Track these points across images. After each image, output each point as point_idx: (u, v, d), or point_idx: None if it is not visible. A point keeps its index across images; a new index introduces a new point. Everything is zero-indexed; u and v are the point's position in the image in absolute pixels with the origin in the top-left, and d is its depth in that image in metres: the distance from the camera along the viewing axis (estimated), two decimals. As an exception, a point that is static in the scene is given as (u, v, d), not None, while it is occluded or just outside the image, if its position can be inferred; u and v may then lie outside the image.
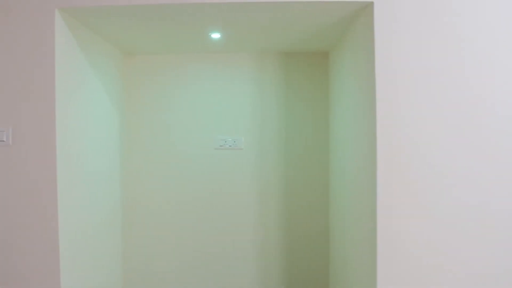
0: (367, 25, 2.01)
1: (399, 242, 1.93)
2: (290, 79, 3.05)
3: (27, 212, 2.02)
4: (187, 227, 3.06)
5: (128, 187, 3.04)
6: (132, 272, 3.05)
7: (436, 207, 1.92)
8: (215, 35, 2.56)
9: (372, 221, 1.95)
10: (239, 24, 2.31)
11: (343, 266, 2.48)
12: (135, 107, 3.07)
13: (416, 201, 1.93)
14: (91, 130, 2.43)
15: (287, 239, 3.06)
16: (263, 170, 3.06)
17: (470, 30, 1.92)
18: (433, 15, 1.93)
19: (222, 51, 2.99)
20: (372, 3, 1.94)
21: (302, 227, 3.06)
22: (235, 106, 3.07)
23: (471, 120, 1.92)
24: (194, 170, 3.07)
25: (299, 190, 3.06)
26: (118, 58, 2.89)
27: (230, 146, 3.07)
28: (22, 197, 2.02)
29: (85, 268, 2.34)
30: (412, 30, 1.93)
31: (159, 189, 3.07)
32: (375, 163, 1.92)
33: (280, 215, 3.06)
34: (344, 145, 2.48)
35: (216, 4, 1.99)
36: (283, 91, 3.05)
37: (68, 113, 2.15)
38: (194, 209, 3.06)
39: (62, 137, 2.06)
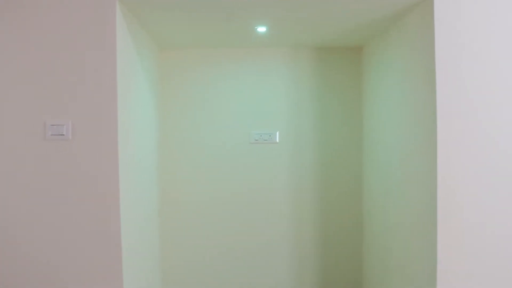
0: (424, 20, 2.02)
1: (461, 237, 1.95)
2: (323, 73, 3.06)
3: (87, 208, 1.98)
4: (223, 221, 3.05)
5: (164, 182, 3.01)
6: (169, 267, 3.03)
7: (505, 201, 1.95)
8: (261, 29, 2.55)
9: (430, 218, 1.95)
10: (289, 17, 2.29)
11: (384, 260, 2.50)
12: (170, 102, 3.03)
13: (480, 198, 1.95)
14: (140, 124, 2.40)
15: (321, 233, 3.07)
16: (298, 164, 3.06)
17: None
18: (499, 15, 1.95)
19: (261, 45, 2.97)
20: (434, -3, 1.94)
21: (335, 222, 3.07)
22: (270, 100, 3.06)
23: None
24: (230, 164, 3.05)
25: (333, 184, 3.07)
26: (155, 52, 2.85)
27: (265, 140, 3.06)
28: (82, 192, 1.98)
29: (139, 265, 2.31)
30: (473, 24, 1.94)
31: (194, 184, 3.04)
32: (436, 158, 1.93)
33: (314, 209, 3.07)
34: (386, 139, 2.49)
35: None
36: (317, 85, 3.05)
37: (126, 107, 2.12)
38: (230, 203, 3.05)
39: (122, 131, 2.03)
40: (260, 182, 3.05)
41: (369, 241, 2.89)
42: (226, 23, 2.40)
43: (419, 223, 2.09)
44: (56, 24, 1.96)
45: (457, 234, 1.95)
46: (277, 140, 3.06)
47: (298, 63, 3.05)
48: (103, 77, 1.96)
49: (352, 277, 3.07)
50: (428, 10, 1.97)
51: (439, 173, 1.93)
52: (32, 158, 1.98)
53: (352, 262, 3.08)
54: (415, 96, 2.13)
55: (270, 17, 2.30)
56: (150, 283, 2.60)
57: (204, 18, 2.28)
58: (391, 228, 2.44)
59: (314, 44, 2.93)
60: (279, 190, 3.05)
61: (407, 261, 2.22)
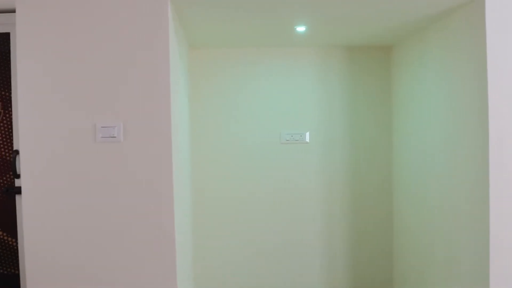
0: (473, 20, 2.00)
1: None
2: (352, 73, 3.03)
3: (140, 211, 1.92)
4: (254, 220, 3.01)
5: (196, 182, 2.97)
6: (200, 266, 2.98)
7: None
8: (300, 28, 2.51)
9: (482, 216, 1.94)
10: (330, 16, 2.25)
11: (423, 256, 2.49)
12: (200, 101, 2.98)
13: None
14: (183, 125, 2.35)
15: (352, 231, 3.06)
16: (328, 163, 3.04)
17: None
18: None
19: (295, 45, 2.94)
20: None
21: (366, 219, 3.05)
22: (300, 100, 3.02)
23: None
24: (262, 164, 3.01)
25: (363, 182, 3.05)
26: (187, 51, 2.80)
27: (296, 140, 3.04)
28: (134, 195, 1.92)
29: (186, 266, 2.27)
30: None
31: (226, 183, 3.00)
32: (487, 157, 1.93)
33: (345, 207, 3.05)
34: (427, 137, 2.48)
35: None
36: (346, 85, 3.03)
37: (176, 108, 2.06)
38: (262, 202, 3.02)
39: (174, 132, 1.98)
40: (291, 181, 3.02)
41: (402, 238, 2.88)
42: (266, 23, 2.36)
43: (466, 220, 2.08)
44: (108, 23, 1.89)
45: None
46: (308, 140, 3.03)
47: (328, 62, 3.03)
48: (156, 77, 1.90)
49: (382, 274, 3.07)
50: (478, 10, 1.96)
51: (491, 175, 1.92)
52: (82, 161, 1.91)
53: (382, 259, 3.07)
54: (463, 95, 2.11)
55: (312, 16, 2.27)
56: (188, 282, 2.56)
57: (246, 17, 2.24)
58: (432, 224, 2.43)
59: (344, 43, 2.91)
60: (310, 189, 3.03)
61: (452, 257, 2.21)
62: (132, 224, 1.91)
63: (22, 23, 1.86)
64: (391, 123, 3.03)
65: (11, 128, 2.04)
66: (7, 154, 2.05)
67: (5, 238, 2.06)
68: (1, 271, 2.07)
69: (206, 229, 2.98)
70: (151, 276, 1.92)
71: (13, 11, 2.04)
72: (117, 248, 1.91)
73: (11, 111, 2.04)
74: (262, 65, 3.00)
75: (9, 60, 2.05)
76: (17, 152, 2.03)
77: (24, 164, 1.89)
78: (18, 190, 2.04)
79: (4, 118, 2.05)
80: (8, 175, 2.06)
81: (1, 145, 2.06)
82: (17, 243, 2.05)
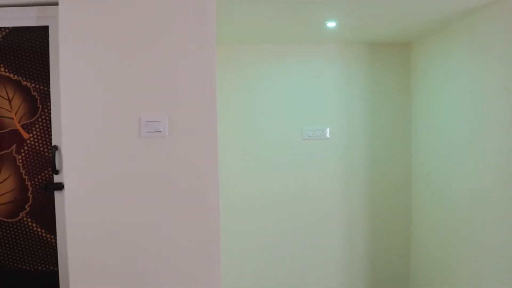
0: (501, 19, 2.05)
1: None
2: (372, 69, 3.07)
3: (185, 207, 1.91)
4: (275, 214, 3.03)
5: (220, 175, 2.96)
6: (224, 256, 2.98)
7: None
8: (331, 24, 2.53)
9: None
10: (362, 12, 2.27)
11: (438, 254, 2.53)
12: (224, 98, 2.97)
13: None
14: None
15: (370, 225, 3.10)
16: (348, 159, 3.07)
17: None
18: None
19: (322, 41, 2.96)
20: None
21: (384, 215, 3.09)
22: (321, 96, 3.05)
23: None
24: (284, 159, 3.03)
25: (382, 178, 3.09)
26: (214, 47, 2.78)
27: (317, 136, 3.06)
28: (179, 190, 1.91)
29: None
30: None
31: (249, 178, 3.01)
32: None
33: (364, 202, 3.09)
34: (447, 133, 2.52)
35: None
36: (366, 81, 3.06)
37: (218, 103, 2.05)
38: (282, 197, 3.04)
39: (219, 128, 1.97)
40: (312, 176, 3.05)
41: (420, 232, 2.93)
42: (299, 18, 2.36)
43: (495, 214, 2.13)
44: (154, 17, 1.87)
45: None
46: (328, 136, 3.06)
47: (348, 58, 3.05)
48: (203, 72, 1.89)
49: (399, 267, 3.12)
50: (508, 8, 2.00)
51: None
52: (127, 156, 1.89)
53: (400, 253, 3.12)
54: (492, 93, 2.16)
55: (345, 11, 2.28)
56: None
57: (282, 12, 2.24)
58: (456, 219, 2.48)
59: (365, 39, 2.94)
60: (330, 184, 3.06)
61: (479, 254, 2.26)
62: (177, 220, 1.90)
63: (65, 15, 1.83)
64: (410, 119, 3.07)
65: (49, 124, 2.00)
66: (46, 150, 2.01)
67: (44, 235, 2.03)
68: (40, 268, 2.03)
69: (227, 222, 2.98)
70: (196, 272, 1.92)
71: (52, 3, 2.00)
72: (161, 244, 1.90)
73: (49, 106, 2.00)
74: (285, 61, 3.01)
75: (47, 54, 2.01)
76: (56, 147, 2.00)
77: (66, 160, 1.86)
78: (57, 186, 2.00)
79: (42, 113, 2.01)
80: (46, 171, 2.02)
81: (39, 141, 2.02)
82: (55, 240, 2.02)
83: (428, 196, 2.83)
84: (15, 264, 2.04)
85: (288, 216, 3.04)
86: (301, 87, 3.03)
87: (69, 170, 1.87)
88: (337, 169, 3.07)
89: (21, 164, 2.03)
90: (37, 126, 2.03)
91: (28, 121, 2.03)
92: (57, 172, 2.00)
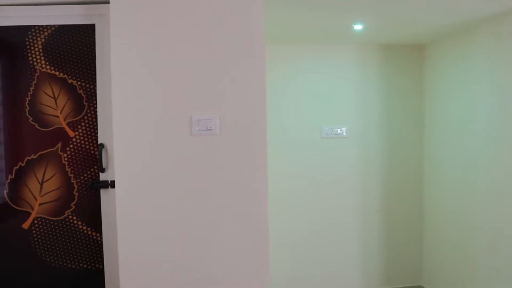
0: None
1: None
2: (387, 70, 3.18)
3: (235, 204, 1.95)
4: (295, 210, 3.10)
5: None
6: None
7: None
8: (358, 26, 2.62)
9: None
10: (390, 14, 2.37)
11: (451, 247, 2.65)
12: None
13: None
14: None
15: (385, 219, 3.21)
16: (364, 157, 3.17)
17: None
18: None
19: (347, 42, 3.04)
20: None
21: (398, 209, 3.21)
22: (339, 96, 3.13)
23: None
24: (304, 156, 3.11)
25: (396, 175, 3.20)
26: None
27: (336, 135, 3.15)
28: (229, 188, 1.94)
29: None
30: None
31: (270, 175, 3.06)
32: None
33: (379, 197, 3.19)
34: (466, 132, 2.65)
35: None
36: (381, 81, 3.17)
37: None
38: (302, 193, 3.11)
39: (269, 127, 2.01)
40: (330, 173, 3.14)
41: (433, 226, 3.06)
42: (330, 20, 2.43)
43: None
44: (204, 18, 1.89)
45: None
46: (347, 135, 3.15)
47: (365, 59, 3.15)
48: (253, 71, 1.92)
49: (413, 259, 3.24)
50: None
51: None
52: (178, 154, 1.90)
53: (413, 245, 3.24)
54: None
55: (374, 15, 2.37)
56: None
57: (316, 14, 2.29)
58: (473, 213, 2.60)
59: (381, 41, 3.04)
60: (348, 181, 3.16)
61: (497, 248, 2.39)
62: (227, 217, 1.92)
63: (117, 14, 1.82)
64: (423, 118, 3.20)
65: (95, 122, 2.00)
66: (91, 148, 2.01)
67: (89, 233, 2.02)
68: (85, 266, 2.03)
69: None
70: (245, 267, 1.95)
71: (99, 2, 1.99)
72: (211, 241, 1.92)
73: (95, 104, 2.00)
74: (305, 62, 3.08)
75: (93, 52, 2.00)
76: (102, 145, 2.00)
77: (118, 159, 1.86)
78: (103, 184, 2.00)
79: (88, 111, 2.01)
80: (92, 169, 2.02)
81: (85, 139, 2.01)
82: (101, 238, 2.01)
83: (442, 190, 2.96)
84: (61, 263, 2.03)
85: (306, 211, 3.12)
86: (320, 87, 3.11)
87: (120, 169, 1.87)
88: (354, 166, 3.16)
89: (66, 162, 2.01)
90: (82, 124, 2.02)
91: (74, 119, 2.02)
92: (103, 170, 2.00)
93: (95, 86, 1.99)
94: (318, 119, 3.10)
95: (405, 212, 3.22)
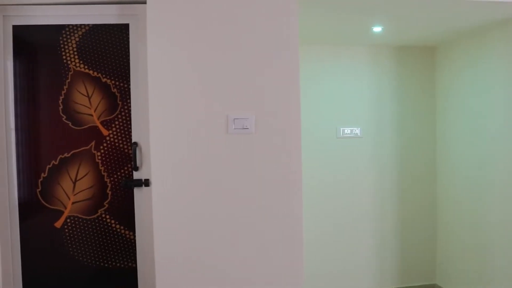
0: None
1: None
2: (400, 71, 3.23)
3: (271, 201, 1.97)
4: (312, 207, 3.13)
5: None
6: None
7: None
8: (377, 29, 2.67)
9: None
10: (410, 17, 2.42)
11: (465, 242, 2.71)
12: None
13: None
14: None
15: (399, 216, 3.27)
16: (379, 156, 3.22)
17: None
18: None
19: (364, 44, 3.09)
20: None
21: (412, 205, 3.27)
22: (354, 97, 3.18)
23: None
24: (321, 156, 3.15)
25: (409, 173, 3.25)
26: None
27: (351, 135, 3.19)
28: (264, 185, 1.96)
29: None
30: None
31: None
32: None
33: (393, 195, 3.24)
34: (479, 132, 2.71)
35: None
36: (395, 83, 3.22)
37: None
38: (321, 191, 3.15)
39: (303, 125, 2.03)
40: (347, 172, 3.18)
41: (446, 223, 3.12)
42: (352, 22, 2.48)
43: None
44: (240, 19, 1.91)
45: None
46: (361, 135, 3.20)
47: (378, 61, 3.21)
48: (287, 72, 1.95)
49: (426, 256, 3.30)
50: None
51: None
52: (214, 152, 1.92)
53: (426, 241, 3.29)
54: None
55: (393, 17, 2.41)
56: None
57: (336, 16, 2.33)
58: (488, 211, 2.67)
59: (393, 43, 3.10)
60: (363, 179, 3.20)
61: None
62: (262, 215, 1.94)
63: (154, 14, 1.84)
64: (435, 118, 3.26)
65: (129, 120, 2.00)
66: (125, 147, 2.01)
67: (122, 231, 2.02)
68: (118, 264, 2.02)
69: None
70: (279, 264, 1.97)
71: (133, 2, 2.01)
72: (247, 239, 1.94)
73: (129, 103, 2.01)
74: (322, 63, 3.11)
75: (127, 52, 2.01)
76: (136, 144, 2.01)
77: (154, 157, 1.86)
78: (137, 183, 2.01)
79: (122, 110, 2.01)
80: (125, 168, 2.02)
81: (119, 138, 2.02)
82: (134, 237, 2.02)
83: (455, 189, 3.01)
84: (93, 261, 2.02)
85: (322, 210, 3.15)
86: (336, 87, 3.15)
87: (157, 167, 1.87)
88: (369, 165, 3.21)
89: (100, 161, 2.02)
90: (116, 123, 2.02)
91: (108, 118, 2.02)
92: (137, 169, 2.00)
93: (129, 85, 2.00)
94: (335, 119, 3.14)
95: (419, 210, 3.27)
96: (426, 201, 3.28)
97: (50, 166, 1.99)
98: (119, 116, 2.00)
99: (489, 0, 2.07)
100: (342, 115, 3.15)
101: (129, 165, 2.01)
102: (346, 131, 3.15)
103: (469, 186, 2.88)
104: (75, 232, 2.00)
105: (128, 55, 2.00)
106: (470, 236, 2.85)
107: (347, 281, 3.19)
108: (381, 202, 3.22)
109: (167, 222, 1.88)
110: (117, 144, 2.00)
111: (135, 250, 2.01)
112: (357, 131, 3.17)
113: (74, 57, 1.99)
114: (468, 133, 2.88)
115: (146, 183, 1.98)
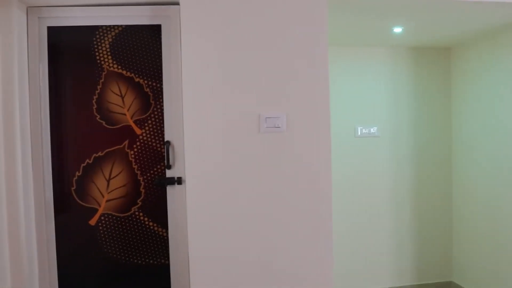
0: None
1: None
2: (416, 71, 3.27)
3: (301, 197, 2.01)
4: (336, 202, 3.16)
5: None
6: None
7: None
8: (397, 29, 2.70)
9: None
10: (430, 18, 2.45)
11: (481, 238, 2.75)
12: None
13: None
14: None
15: (416, 211, 3.30)
16: (396, 155, 3.26)
17: None
18: None
19: (379, 45, 3.12)
20: None
21: (428, 202, 3.30)
22: (372, 97, 3.22)
23: None
24: (340, 154, 3.18)
25: (425, 171, 3.29)
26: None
27: (369, 134, 3.23)
28: (295, 181, 2.00)
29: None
30: None
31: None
32: None
33: (410, 191, 3.28)
34: (497, 130, 2.76)
35: None
36: (411, 83, 3.25)
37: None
38: (339, 188, 3.19)
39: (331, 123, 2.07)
40: (364, 170, 3.21)
41: (461, 218, 3.15)
42: (374, 23, 2.52)
43: None
44: (271, 21, 1.94)
45: None
46: (378, 134, 3.24)
47: (395, 61, 3.25)
48: (317, 72, 1.99)
49: (443, 255, 3.33)
50: None
51: None
52: (246, 150, 1.95)
53: (442, 238, 3.32)
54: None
55: (416, 18, 2.45)
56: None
57: (355, 17, 2.37)
58: (502, 209, 2.71)
59: (409, 44, 3.14)
60: (380, 177, 3.24)
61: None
62: (293, 212, 1.97)
63: (188, 14, 1.86)
64: (450, 117, 3.30)
65: (162, 120, 2.04)
66: (158, 145, 2.05)
67: (155, 229, 2.06)
68: (151, 261, 2.06)
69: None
70: (309, 260, 2.00)
71: (166, 3, 2.04)
72: (278, 235, 1.96)
73: (161, 102, 2.04)
74: (342, 63, 3.15)
75: (159, 52, 2.05)
76: (168, 143, 2.04)
77: (188, 156, 1.89)
78: (170, 181, 2.04)
79: (154, 109, 2.05)
80: (158, 166, 2.06)
81: (151, 137, 2.05)
82: (167, 234, 2.05)
83: (471, 187, 3.05)
84: (127, 258, 2.06)
85: (340, 208, 3.18)
86: (355, 87, 3.18)
87: (191, 166, 1.91)
88: (386, 163, 3.25)
89: (133, 160, 2.05)
90: (149, 122, 2.06)
91: (141, 117, 2.05)
92: (170, 167, 2.04)
93: (161, 84, 2.04)
94: (353, 118, 3.18)
95: (435, 208, 3.31)
96: (442, 199, 3.32)
97: (85, 164, 2.02)
98: (152, 115, 2.03)
99: (505, 1, 2.11)
100: (360, 114, 3.19)
101: (162, 164, 2.04)
102: (363, 130, 3.19)
103: (485, 185, 2.92)
104: (109, 230, 2.04)
105: (160, 56, 2.03)
106: (486, 233, 2.89)
107: (364, 279, 3.22)
108: (398, 200, 3.26)
109: (201, 219, 1.91)
110: (149, 143, 2.04)
111: (168, 247, 2.05)
112: (374, 130, 3.20)
113: (107, 58, 2.02)
114: (484, 130, 2.92)
115: (179, 181, 2.01)
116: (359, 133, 3.17)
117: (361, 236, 3.20)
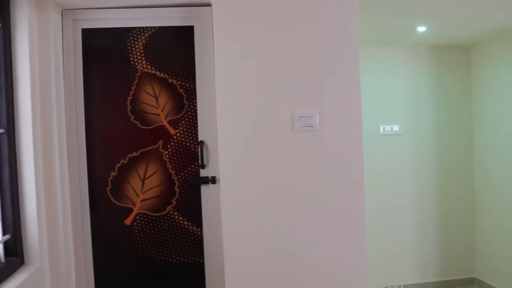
0: None
1: None
2: (436, 70, 3.28)
3: (334, 195, 2.02)
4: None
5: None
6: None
7: None
8: (421, 29, 2.71)
9: None
10: (455, 16, 2.45)
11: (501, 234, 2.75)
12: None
13: None
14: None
15: (439, 206, 3.31)
16: (418, 152, 3.27)
17: None
18: None
19: (400, 44, 3.13)
20: None
21: (450, 197, 3.33)
22: (394, 95, 3.23)
23: None
24: (366, 152, 3.19)
25: (447, 169, 3.30)
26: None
27: (391, 132, 3.24)
28: (328, 179, 2.00)
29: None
30: None
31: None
32: None
33: (432, 187, 3.30)
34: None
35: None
36: (432, 81, 3.26)
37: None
38: (366, 183, 3.18)
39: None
40: (388, 167, 3.23)
41: (487, 217, 3.16)
42: (398, 22, 2.52)
43: None
44: (304, 21, 1.95)
45: None
46: (401, 132, 3.24)
47: (416, 60, 3.25)
48: (349, 71, 1.99)
49: (466, 252, 3.34)
50: None
51: None
52: (281, 149, 1.96)
53: (465, 233, 3.36)
54: None
55: (440, 17, 2.45)
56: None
57: (379, 16, 2.38)
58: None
59: (430, 42, 3.14)
60: (404, 173, 3.25)
61: None
62: (326, 210, 1.98)
63: (219, 15, 1.88)
64: (471, 114, 3.30)
65: (195, 120, 2.06)
66: (192, 145, 2.07)
67: (190, 228, 2.08)
68: (186, 260, 2.08)
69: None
70: (343, 257, 2.01)
71: (198, 5, 2.06)
72: (312, 233, 1.98)
73: (195, 102, 2.06)
74: (366, 62, 3.16)
75: (192, 53, 2.07)
76: (202, 142, 2.06)
77: (222, 155, 1.91)
78: (204, 180, 2.06)
79: (188, 109, 2.07)
80: (192, 166, 2.07)
81: (185, 137, 2.07)
82: (201, 233, 2.07)
83: (493, 183, 3.06)
84: (162, 257, 2.08)
85: (366, 204, 3.18)
86: (377, 86, 3.20)
87: (225, 165, 1.92)
88: (408, 160, 3.26)
89: (167, 159, 2.07)
90: (183, 122, 2.08)
91: (175, 117, 2.07)
92: (204, 167, 2.05)
93: (195, 85, 2.05)
94: (376, 117, 3.19)
95: (458, 204, 3.32)
96: (464, 195, 3.33)
97: (120, 164, 2.04)
98: (186, 115, 2.05)
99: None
100: (382, 113, 3.21)
101: (196, 163, 2.06)
102: (386, 128, 3.20)
103: (507, 180, 2.92)
104: (144, 229, 2.06)
105: (193, 56, 2.04)
106: (509, 229, 2.90)
107: (388, 276, 3.24)
108: (420, 196, 3.27)
109: (235, 218, 1.92)
110: (183, 143, 2.05)
111: (203, 245, 2.07)
112: (397, 128, 3.21)
113: (141, 59, 2.04)
114: (505, 126, 2.92)
115: (213, 180, 2.03)
116: (381, 131, 3.18)
117: (385, 232, 3.22)
